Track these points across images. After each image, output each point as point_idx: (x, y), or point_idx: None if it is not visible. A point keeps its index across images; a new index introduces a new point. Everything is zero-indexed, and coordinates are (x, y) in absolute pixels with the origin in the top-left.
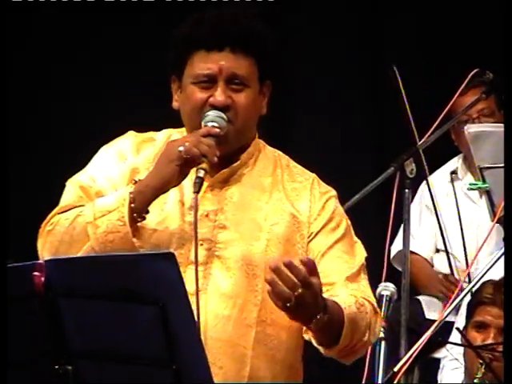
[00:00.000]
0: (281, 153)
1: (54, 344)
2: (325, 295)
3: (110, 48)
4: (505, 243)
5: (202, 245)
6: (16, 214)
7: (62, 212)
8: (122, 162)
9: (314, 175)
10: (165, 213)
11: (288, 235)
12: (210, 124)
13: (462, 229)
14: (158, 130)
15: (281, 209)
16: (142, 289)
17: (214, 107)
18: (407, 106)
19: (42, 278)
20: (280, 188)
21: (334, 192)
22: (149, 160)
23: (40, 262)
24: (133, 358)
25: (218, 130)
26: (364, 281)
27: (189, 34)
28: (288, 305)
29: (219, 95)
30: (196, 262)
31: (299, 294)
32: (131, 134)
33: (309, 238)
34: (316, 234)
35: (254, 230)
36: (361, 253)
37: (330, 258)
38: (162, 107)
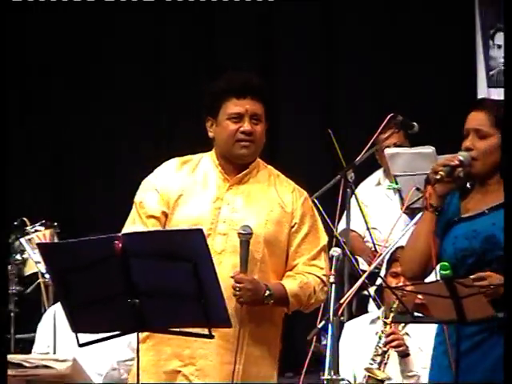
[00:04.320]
0: (271, 167)
1: (127, 286)
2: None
3: (112, 48)
4: (505, 242)
5: (224, 222)
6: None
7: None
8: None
9: (293, 183)
10: (200, 205)
11: (279, 218)
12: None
13: (381, 215)
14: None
15: (274, 201)
16: (181, 252)
17: (244, 133)
18: (341, 157)
19: (120, 245)
20: (273, 189)
21: (306, 194)
22: (189, 173)
23: (118, 234)
24: (177, 295)
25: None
26: (322, 259)
27: (223, 87)
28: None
29: (247, 126)
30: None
31: (236, 294)
32: (174, 160)
33: (291, 228)
34: (295, 231)
35: (257, 213)
36: (322, 239)
37: (300, 251)
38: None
